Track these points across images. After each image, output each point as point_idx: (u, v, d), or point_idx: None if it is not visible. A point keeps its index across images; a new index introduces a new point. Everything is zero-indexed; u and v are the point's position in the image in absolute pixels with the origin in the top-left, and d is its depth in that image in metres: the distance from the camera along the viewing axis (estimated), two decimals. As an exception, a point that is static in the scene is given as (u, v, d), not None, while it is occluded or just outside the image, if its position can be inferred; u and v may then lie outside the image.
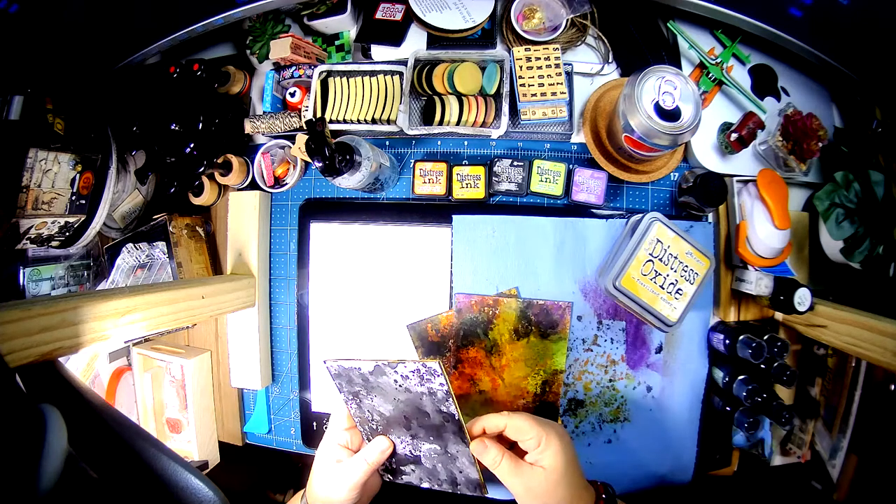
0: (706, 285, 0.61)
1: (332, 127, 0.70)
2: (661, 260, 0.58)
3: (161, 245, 0.75)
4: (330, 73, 0.72)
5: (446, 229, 0.69)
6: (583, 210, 0.68)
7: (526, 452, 0.47)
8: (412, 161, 0.70)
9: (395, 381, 0.47)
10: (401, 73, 0.70)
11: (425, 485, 0.53)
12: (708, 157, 0.67)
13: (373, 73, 0.71)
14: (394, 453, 0.52)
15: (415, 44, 0.73)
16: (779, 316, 0.68)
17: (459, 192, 0.68)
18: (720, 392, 0.66)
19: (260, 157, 0.75)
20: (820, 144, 0.64)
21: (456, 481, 0.51)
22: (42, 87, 0.62)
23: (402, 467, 0.53)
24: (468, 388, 0.67)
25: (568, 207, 0.69)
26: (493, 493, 0.50)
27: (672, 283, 0.58)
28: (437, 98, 0.68)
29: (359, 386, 0.49)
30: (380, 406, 0.49)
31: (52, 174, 0.63)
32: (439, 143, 0.73)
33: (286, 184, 0.74)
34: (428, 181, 0.69)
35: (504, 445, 0.47)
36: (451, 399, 0.46)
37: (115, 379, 0.78)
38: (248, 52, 0.78)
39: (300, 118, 0.72)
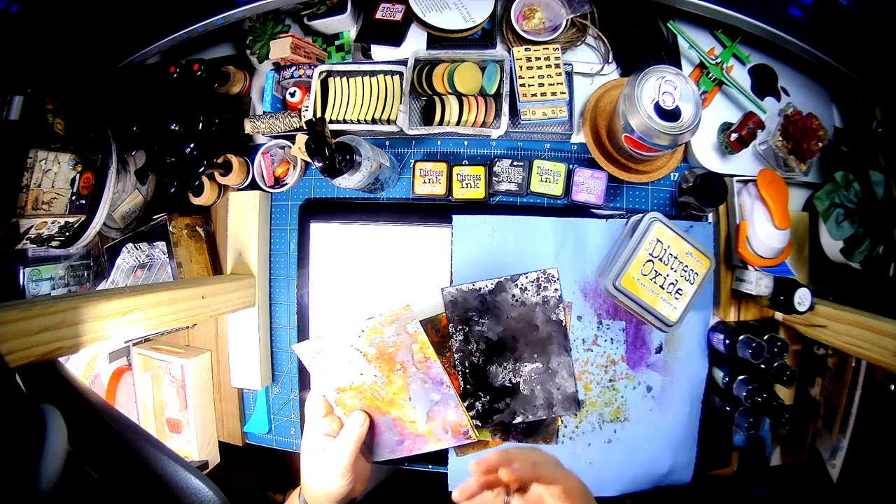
0: (706, 285, 0.61)
1: (332, 127, 0.70)
2: (661, 260, 0.58)
3: (161, 245, 0.75)
4: (330, 73, 0.72)
5: (446, 229, 0.69)
6: (583, 210, 0.68)
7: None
8: (412, 161, 0.70)
9: (513, 295, 0.51)
10: (401, 73, 0.70)
11: (518, 419, 0.55)
12: (708, 157, 0.67)
13: (373, 73, 0.71)
14: (489, 390, 0.53)
15: (415, 44, 0.73)
16: (779, 316, 0.68)
17: (459, 192, 0.68)
18: (720, 392, 0.66)
19: (260, 157, 0.75)
20: (820, 144, 0.64)
21: (552, 403, 0.54)
22: (42, 87, 0.62)
23: (495, 405, 0.55)
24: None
25: (568, 207, 0.69)
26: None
27: (672, 283, 0.58)
28: (437, 98, 0.68)
29: (473, 310, 0.52)
30: (489, 331, 0.52)
31: (52, 174, 0.63)
32: (439, 143, 0.73)
33: (286, 184, 0.74)
34: (428, 181, 0.69)
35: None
36: (561, 305, 0.51)
37: (115, 379, 0.78)
38: (248, 52, 0.78)
39: (300, 118, 0.72)
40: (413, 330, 0.53)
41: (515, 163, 0.67)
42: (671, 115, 0.55)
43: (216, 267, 0.80)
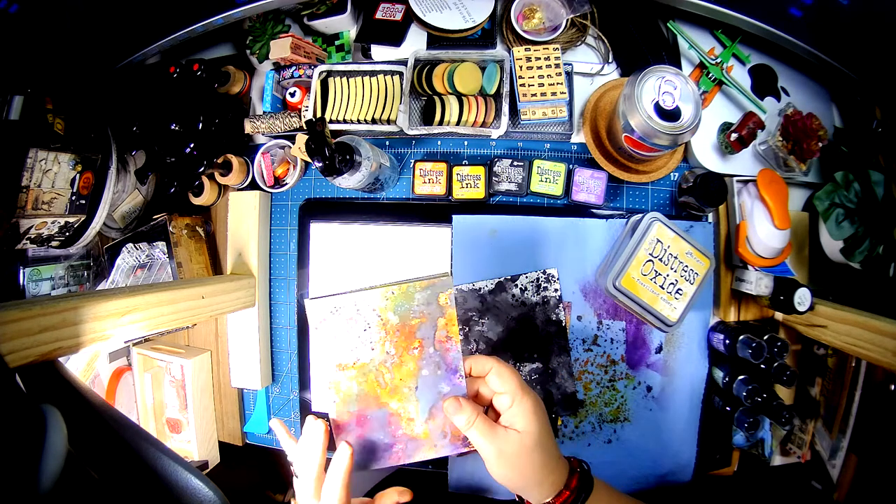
0: (706, 285, 0.61)
1: (332, 127, 0.70)
2: (661, 260, 0.58)
3: (161, 245, 0.75)
4: (330, 73, 0.72)
5: (446, 229, 0.69)
6: (583, 210, 0.68)
7: (498, 416, 0.45)
8: (412, 161, 0.70)
9: (514, 295, 0.50)
10: (401, 73, 0.70)
11: None
12: (708, 157, 0.67)
13: (373, 73, 0.71)
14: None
15: (415, 44, 0.73)
16: (779, 316, 0.68)
17: (459, 192, 0.68)
18: (720, 392, 0.66)
19: (260, 157, 0.75)
20: (820, 144, 0.64)
21: (552, 403, 0.53)
22: (42, 87, 0.62)
23: None
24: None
25: (568, 207, 0.69)
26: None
27: (672, 283, 0.58)
28: (437, 98, 0.68)
29: (473, 311, 0.50)
30: (489, 331, 0.51)
31: (52, 174, 0.63)
32: (439, 143, 0.73)
33: (286, 184, 0.74)
34: (428, 181, 0.69)
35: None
36: (561, 305, 0.48)
37: (115, 379, 0.78)
38: (248, 52, 0.78)
39: (300, 118, 0.72)
40: (445, 301, 0.47)
41: (515, 163, 0.67)
42: (671, 115, 0.55)
43: (216, 267, 0.80)
